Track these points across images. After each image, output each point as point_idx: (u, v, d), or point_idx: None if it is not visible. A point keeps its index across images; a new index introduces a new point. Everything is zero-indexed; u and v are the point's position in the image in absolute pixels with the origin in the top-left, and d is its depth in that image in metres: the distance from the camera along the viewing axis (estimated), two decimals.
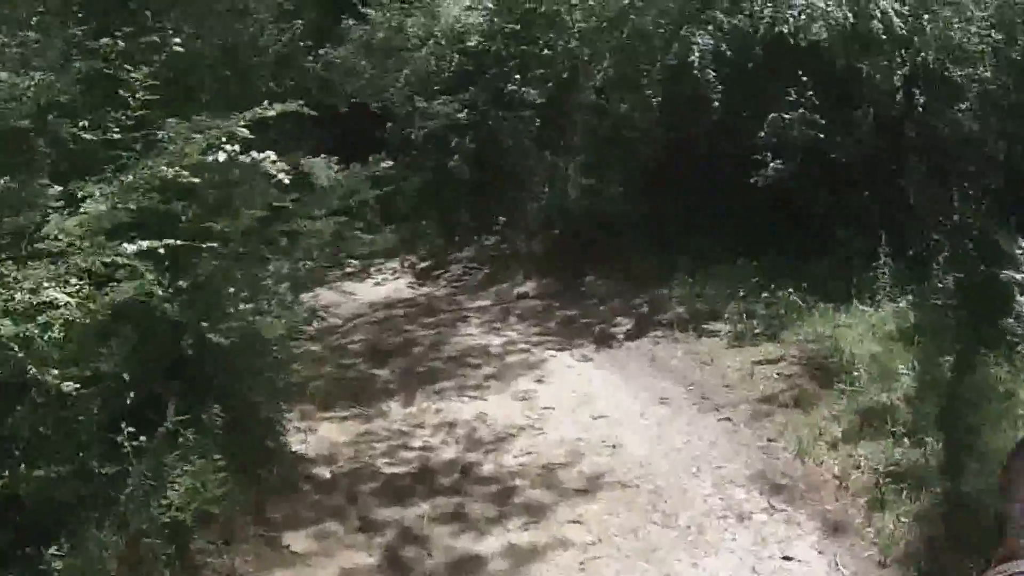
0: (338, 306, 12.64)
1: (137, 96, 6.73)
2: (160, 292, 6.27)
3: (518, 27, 13.73)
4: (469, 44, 14.20)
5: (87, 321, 5.84)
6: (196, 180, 6.00)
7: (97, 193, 5.56)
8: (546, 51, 13.29)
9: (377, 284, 13.66)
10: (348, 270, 14.19)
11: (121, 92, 6.96)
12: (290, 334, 8.54)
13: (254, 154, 5.26)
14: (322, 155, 9.04)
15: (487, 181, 14.62)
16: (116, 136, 6.52)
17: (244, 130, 5.86)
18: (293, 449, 8.30)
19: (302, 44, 13.21)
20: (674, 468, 7.40)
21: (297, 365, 10.70)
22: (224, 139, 5.49)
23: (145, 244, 5.33)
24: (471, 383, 9.71)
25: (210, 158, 5.39)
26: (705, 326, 10.10)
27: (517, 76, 13.76)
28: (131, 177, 5.38)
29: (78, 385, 5.32)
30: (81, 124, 6.42)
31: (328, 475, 7.95)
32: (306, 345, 11.33)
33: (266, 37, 12.21)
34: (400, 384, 9.95)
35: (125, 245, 5.70)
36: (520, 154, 14.26)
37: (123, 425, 6.14)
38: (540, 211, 13.82)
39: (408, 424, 8.93)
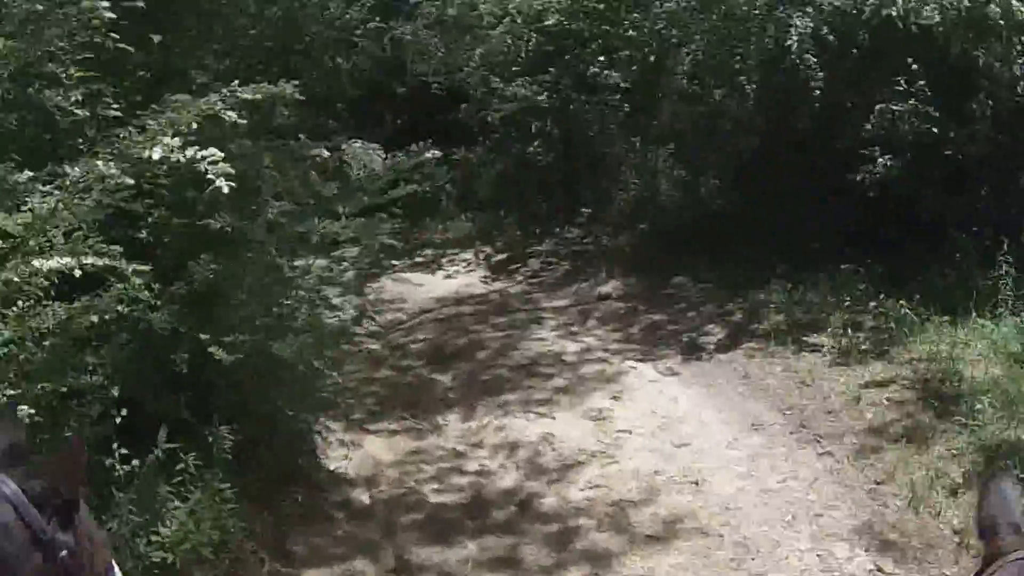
0: (404, 300, 11.77)
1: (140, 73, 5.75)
2: (149, 299, 5.35)
3: (601, 6, 12.57)
4: (548, 23, 13.07)
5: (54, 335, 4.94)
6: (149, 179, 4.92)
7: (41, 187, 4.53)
8: (631, 32, 12.11)
9: (448, 276, 12.64)
10: (418, 259, 13.33)
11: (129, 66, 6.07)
12: (337, 337, 7.63)
13: (192, 152, 4.09)
14: (374, 144, 8.12)
15: (571, 169, 13.56)
16: (115, 113, 5.52)
17: (229, 114, 4.74)
18: (331, 468, 7.36)
19: (369, 20, 12.22)
20: (765, 514, 6.24)
21: (351, 366, 9.93)
22: (170, 132, 4.39)
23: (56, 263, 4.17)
24: (539, 397, 8.65)
25: (146, 153, 4.31)
26: (805, 339, 8.87)
27: (601, 58, 12.61)
28: (77, 171, 4.33)
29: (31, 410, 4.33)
30: (73, 98, 5.44)
31: (367, 500, 6.98)
32: (365, 343, 10.54)
33: (332, 10, 11.26)
34: (461, 394, 8.95)
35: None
36: (606, 141, 13.17)
37: (114, 447, 5.30)
38: (627, 203, 12.68)
39: (465, 442, 7.93)
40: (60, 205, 4.22)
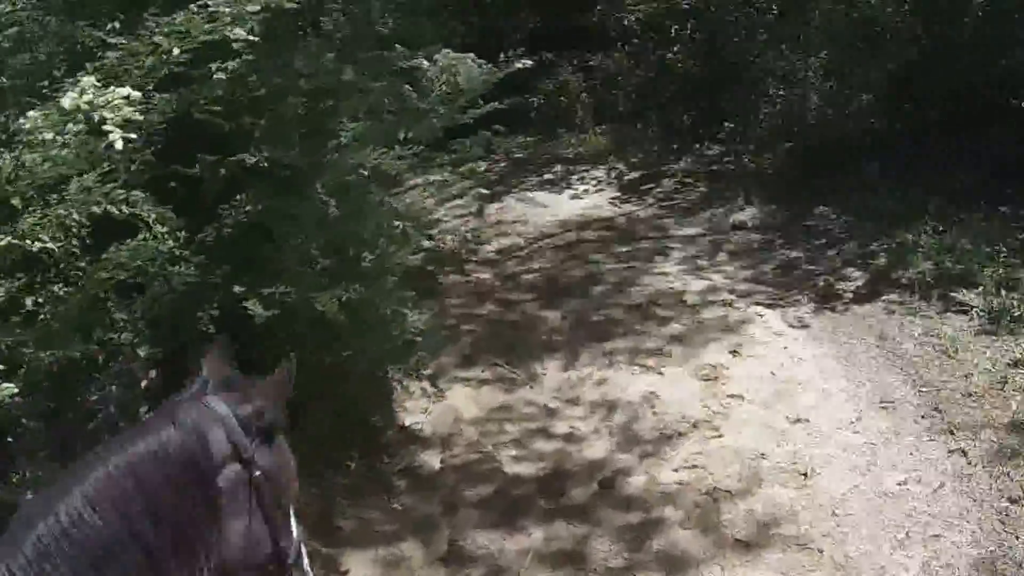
0: (525, 222, 11.01)
1: None
2: (173, 250, 4.70)
3: None
4: None
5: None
6: None
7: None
8: None
9: (576, 196, 11.76)
10: (547, 176, 12.51)
11: None
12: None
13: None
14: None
15: (714, 79, 12.41)
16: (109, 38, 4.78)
17: (238, 32, 3.96)
18: (407, 423, 6.75)
19: None
20: (876, 527, 5.28)
21: (455, 299, 9.26)
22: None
23: None
24: (650, 345, 7.82)
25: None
26: (953, 294, 7.75)
27: None
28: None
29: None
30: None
31: (436, 466, 6.33)
32: (476, 272, 9.86)
33: None
34: (566, 337, 8.17)
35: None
36: (752, 48, 11.96)
37: (142, 411, 4.76)
38: (772, 118, 11.51)
39: (559, 398, 7.19)
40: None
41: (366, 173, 6.01)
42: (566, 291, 9.13)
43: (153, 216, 4.55)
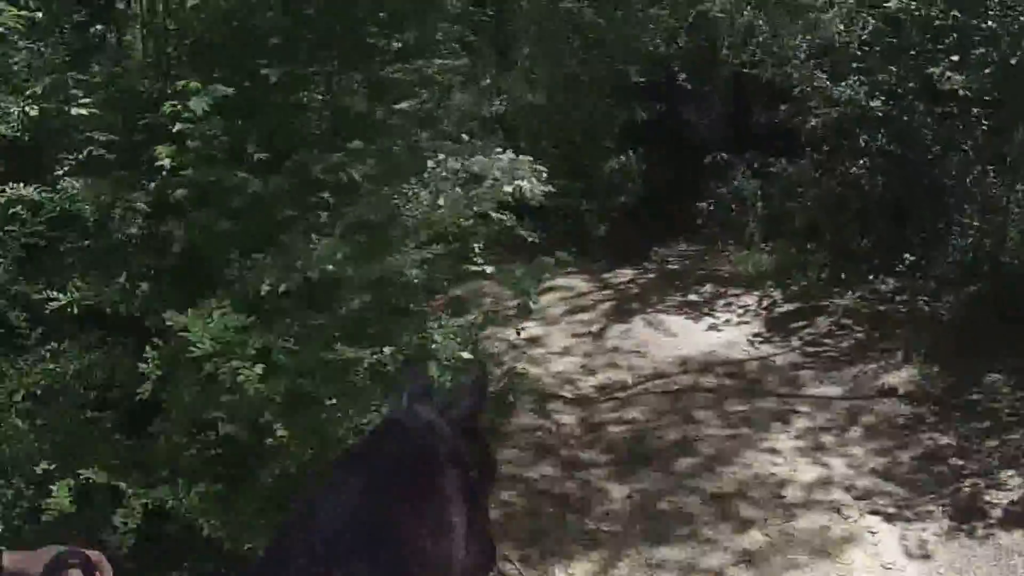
0: (644, 353, 9.36)
1: None
2: None
3: None
4: (889, 3, 9.90)
5: None
6: None
7: None
8: (989, 24, 8.79)
9: (713, 327, 9.95)
10: (692, 297, 10.76)
11: None
12: None
13: None
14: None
15: (901, 200, 10.38)
16: None
17: None
18: None
19: None
20: None
21: (509, 449, 7.66)
22: None
23: None
24: (711, 562, 6.06)
25: None
26: None
27: (955, 57, 9.34)
28: None
29: None
30: None
31: None
32: (560, 414, 8.24)
33: None
34: (617, 530, 6.50)
35: None
36: (949, 168, 9.89)
37: None
38: (961, 252, 9.40)
39: None
40: None
41: None
42: (647, 458, 7.43)
43: None
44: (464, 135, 6.97)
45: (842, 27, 10.61)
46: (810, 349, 9.21)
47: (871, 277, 10.19)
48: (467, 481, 2.15)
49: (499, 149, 6.50)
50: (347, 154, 5.29)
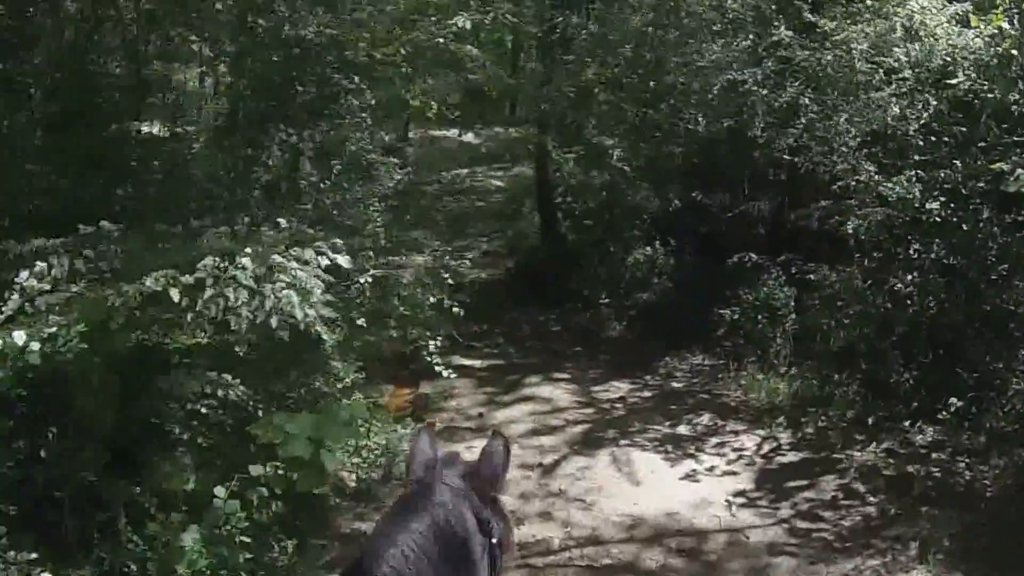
0: (590, 504, 7.32)
1: None
2: None
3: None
4: (954, 83, 7.72)
5: None
6: None
7: None
8: None
9: (689, 475, 7.83)
10: (682, 430, 8.63)
11: None
12: None
13: None
14: None
15: (957, 327, 8.12)
16: None
17: None
18: None
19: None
20: None
21: None
22: None
23: None
24: None
25: None
26: None
27: None
28: None
29: None
30: None
31: None
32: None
33: None
34: None
35: None
36: (1018, 293, 7.67)
37: None
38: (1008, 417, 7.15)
39: None
40: None
41: None
42: None
43: None
44: None
45: (898, 110, 8.43)
46: (800, 524, 6.98)
47: (906, 423, 7.95)
48: (488, 545, 2.26)
49: None
50: None
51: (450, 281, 8.43)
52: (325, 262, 5.19)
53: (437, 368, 7.34)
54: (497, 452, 2.39)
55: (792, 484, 7.49)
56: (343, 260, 5.31)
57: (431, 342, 7.45)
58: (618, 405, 9.35)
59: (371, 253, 7.64)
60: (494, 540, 2.27)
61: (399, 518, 2.21)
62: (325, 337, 5.53)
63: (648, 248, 11.53)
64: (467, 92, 13.03)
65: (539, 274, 12.35)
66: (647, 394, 9.59)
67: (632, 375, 10.02)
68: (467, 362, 10.44)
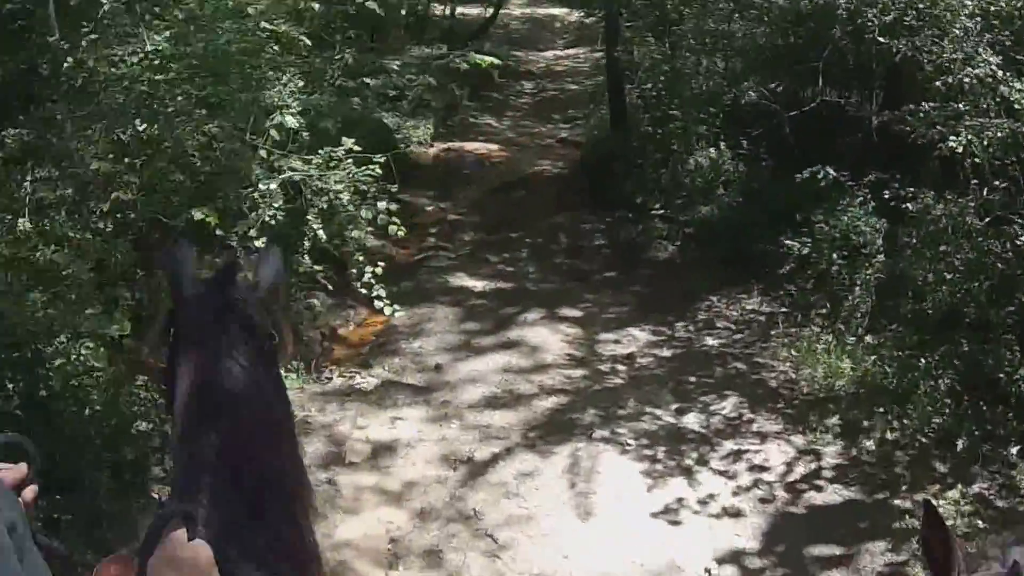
0: (500, 550, 5.25)
1: None
2: None
3: None
4: None
5: None
6: None
7: None
8: None
9: (669, 509, 5.47)
10: (686, 421, 6.23)
11: None
12: None
13: None
14: None
15: None
16: None
17: None
18: None
19: None
20: None
21: None
22: None
23: None
24: None
25: None
26: None
27: None
28: None
29: None
30: None
31: None
32: None
33: None
34: None
35: None
36: None
37: None
38: None
39: None
40: None
41: None
42: None
43: None
44: None
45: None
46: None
47: (1014, 451, 5.36)
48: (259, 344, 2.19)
49: None
50: None
51: None
52: None
53: (378, 304, 5.99)
54: (273, 262, 2.29)
55: (819, 552, 4.99)
56: None
57: (367, 268, 5.97)
58: (621, 367, 7.00)
59: None
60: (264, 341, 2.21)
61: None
62: None
63: (713, 150, 8.96)
64: None
65: (599, 173, 10.06)
66: (667, 353, 7.18)
67: (660, 319, 7.62)
68: (469, 282, 8.50)
